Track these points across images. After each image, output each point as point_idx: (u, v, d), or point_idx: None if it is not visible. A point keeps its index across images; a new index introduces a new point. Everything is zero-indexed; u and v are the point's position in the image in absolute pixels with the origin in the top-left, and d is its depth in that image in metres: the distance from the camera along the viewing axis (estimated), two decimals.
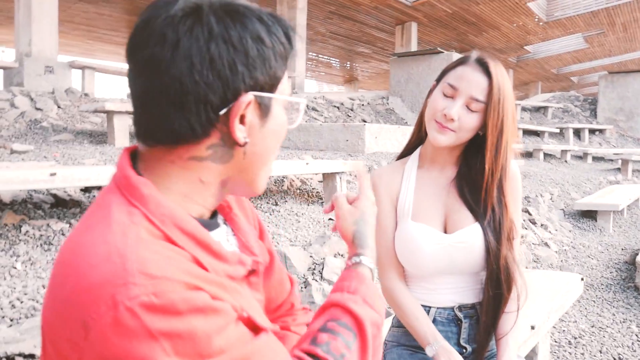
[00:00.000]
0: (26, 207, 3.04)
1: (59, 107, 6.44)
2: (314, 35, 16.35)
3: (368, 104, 11.28)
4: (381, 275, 1.41)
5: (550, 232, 5.43)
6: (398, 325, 1.43)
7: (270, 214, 4.11)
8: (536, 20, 15.40)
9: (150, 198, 0.69)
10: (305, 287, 2.60)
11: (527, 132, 12.08)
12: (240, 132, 0.71)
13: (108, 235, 0.64)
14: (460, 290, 1.37)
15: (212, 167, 0.73)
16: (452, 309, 1.37)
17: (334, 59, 20.82)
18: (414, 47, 14.68)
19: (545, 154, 10.57)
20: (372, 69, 22.32)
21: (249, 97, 0.69)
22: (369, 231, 0.96)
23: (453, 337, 1.37)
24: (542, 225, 5.47)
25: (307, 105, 10.39)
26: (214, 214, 0.82)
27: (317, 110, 10.27)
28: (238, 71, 0.68)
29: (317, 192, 5.06)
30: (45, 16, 7.24)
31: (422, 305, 1.38)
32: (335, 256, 3.05)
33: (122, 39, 15.60)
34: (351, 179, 5.40)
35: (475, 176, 1.33)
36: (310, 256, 2.93)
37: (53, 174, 2.46)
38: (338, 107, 10.78)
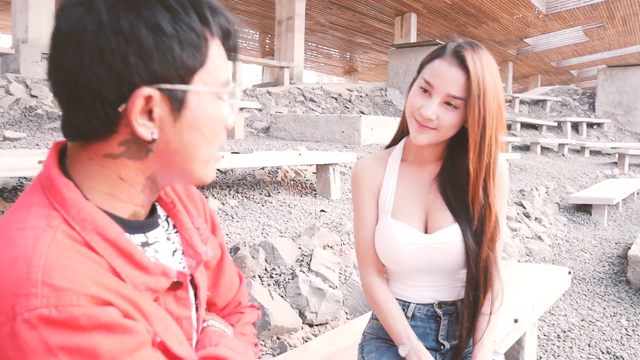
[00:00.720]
0: (16, 194, 3.03)
1: None
2: (314, 26, 16.26)
3: (366, 95, 11.24)
4: (361, 269, 1.40)
5: (544, 225, 5.43)
6: (377, 317, 1.42)
7: (262, 205, 4.10)
8: (536, 12, 15.32)
9: (71, 201, 0.66)
10: (293, 279, 2.60)
11: (525, 126, 12.06)
12: (143, 129, 0.66)
13: (20, 239, 0.61)
14: (440, 288, 1.35)
15: (130, 164, 0.70)
16: (432, 305, 1.35)
17: (333, 50, 20.72)
18: (413, 38, 14.61)
19: (543, 148, 10.55)
20: (372, 60, 22.23)
21: (147, 91, 0.64)
22: None
23: (432, 333, 1.35)
24: (536, 218, 5.47)
25: (305, 96, 10.36)
26: (152, 212, 0.79)
27: (315, 101, 10.24)
28: (130, 63, 0.63)
29: (311, 183, 5.05)
30: (43, 2, 7.18)
31: (402, 300, 1.36)
32: (324, 248, 3.05)
33: None
34: (345, 171, 5.39)
35: (459, 174, 1.28)
36: (299, 247, 2.92)
37: (41, 162, 2.44)
38: (336, 98, 10.74)
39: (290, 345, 2.24)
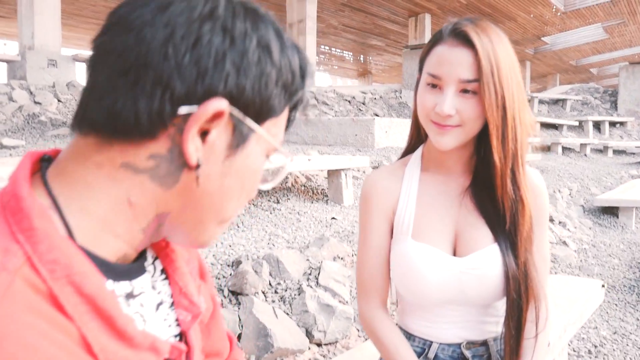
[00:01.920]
0: None
1: (59, 101, 6.31)
2: (326, 28, 16.11)
3: (380, 97, 11.05)
4: (361, 301, 1.17)
5: (569, 229, 5.16)
6: None
7: (270, 213, 3.92)
8: (554, 10, 14.97)
9: (42, 233, 0.47)
10: (299, 294, 2.40)
11: (545, 126, 11.73)
12: (194, 148, 0.51)
13: None
14: (469, 325, 1.12)
15: (148, 187, 0.53)
16: (459, 345, 1.12)
17: (346, 52, 20.54)
18: (427, 39, 14.35)
19: (564, 148, 10.24)
20: (386, 62, 22.00)
21: (222, 105, 0.50)
22: None
23: None
24: (560, 222, 5.20)
25: (317, 99, 10.18)
26: (141, 253, 0.61)
27: (328, 104, 10.05)
28: (224, 68, 0.51)
29: (323, 189, 4.85)
30: (49, 9, 7.12)
31: (422, 339, 1.14)
32: (334, 259, 2.84)
33: None
34: (358, 175, 5.19)
35: (495, 182, 1.05)
36: (307, 259, 2.72)
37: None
38: (349, 101, 10.55)
39: None
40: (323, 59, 21.10)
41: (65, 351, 0.44)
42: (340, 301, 2.45)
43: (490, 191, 1.07)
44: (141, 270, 0.60)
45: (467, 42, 0.97)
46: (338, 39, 17.84)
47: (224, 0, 0.54)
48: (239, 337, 2.13)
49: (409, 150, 1.21)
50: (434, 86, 1.01)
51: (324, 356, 2.21)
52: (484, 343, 1.12)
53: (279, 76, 0.55)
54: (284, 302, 2.39)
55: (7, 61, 7.02)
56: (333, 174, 4.50)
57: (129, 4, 0.52)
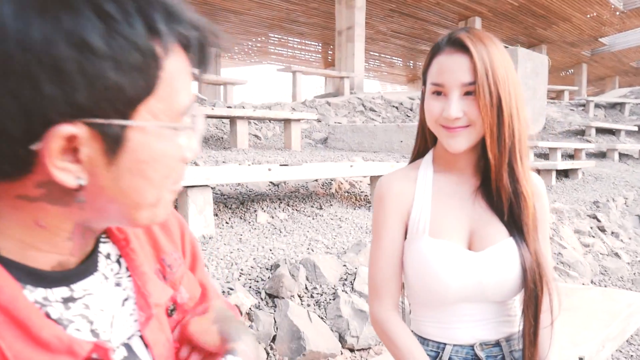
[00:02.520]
0: None
1: None
2: (375, 35, 16.11)
3: None
4: (373, 302, 1.20)
5: (622, 240, 4.96)
6: None
7: (312, 219, 3.98)
8: (612, 9, 14.39)
9: None
10: (334, 299, 2.44)
11: (601, 131, 11.29)
12: (64, 174, 0.50)
13: None
14: (483, 324, 1.14)
15: (51, 210, 0.54)
16: (472, 347, 1.14)
17: (396, 58, 20.45)
18: None
19: (621, 154, 9.81)
20: None
21: (68, 129, 0.48)
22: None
23: None
24: (612, 233, 5.01)
25: (364, 106, 10.20)
26: (94, 251, 0.64)
27: (375, 111, 10.05)
28: (43, 93, 0.46)
29: (366, 195, 4.88)
30: None
31: (434, 342, 1.16)
32: None
33: None
34: None
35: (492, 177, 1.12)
36: (344, 265, 2.76)
37: None
38: (397, 107, 10.51)
39: None
40: (372, 66, 21.07)
41: None
42: None
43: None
44: (87, 273, 0.61)
45: (463, 48, 1.04)
46: (387, 45, 17.80)
47: (8, 6, 0.46)
48: (274, 338, 2.19)
49: (417, 157, 1.25)
50: (438, 94, 1.08)
51: None
52: (497, 344, 1.14)
53: (118, 64, 0.48)
54: (319, 306, 2.44)
55: None
56: (375, 181, 4.52)
57: None
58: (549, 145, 8.47)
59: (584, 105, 13.33)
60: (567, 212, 5.02)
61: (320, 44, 17.73)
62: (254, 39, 16.60)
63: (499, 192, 1.10)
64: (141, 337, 0.66)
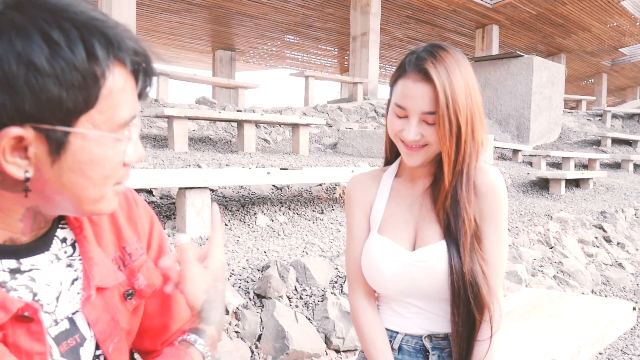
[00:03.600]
0: None
1: None
2: (391, 41, 16.13)
3: None
4: (349, 292, 1.29)
5: (627, 251, 4.91)
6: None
7: (312, 222, 4.02)
8: (632, 19, 14.21)
9: None
10: (322, 301, 2.48)
11: (617, 141, 11.15)
12: (14, 167, 0.61)
13: None
14: (431, 317, 1.21)
15: (6, 195, 0.65)
16: (421, 337, 1.21)
17: None
18: (495, 50, 14.05)
19: (636, 165, 9.69)
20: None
21: (16, 131, 0.58)
22: (219, 303, 0.85)
23: None
24: (618, 243, 4.96)
25: (377, 112, 10.22)
26: (49, 234, 0.74)
27: None
28: None
29: None
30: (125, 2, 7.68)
31: (389, 330, 1.24)
32: None
33: (204, 46, 16.25)
34: None
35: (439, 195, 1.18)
36: (336, 268, 2.80)
37: None
38: None
39: None
40: (388, 71, 21.08)
41: None
42: None
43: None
44: (36, 250, 0.71)
45: (427, 77, 1.08)
46: (403, 51, 17.79)
47: None
48: (259, 337, 2.24)
49: (388, 160, 1.33)
50: (400, 115, 1.13)
51: None
52: (446, 337, 1.20)
53: (60, 82, 0.58)
54: (307, 307, 2.48)
55: None
56: None
57: None
58: (563, 154, 8.41)
59: (601, 115, 13.18)
60: (571, 221, 4.98)
61: (336, 49, 17.80)
62: (269, 43, 16.74)
63: (440, 210, 1.17)
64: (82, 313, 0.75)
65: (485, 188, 1.17)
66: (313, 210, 4.32)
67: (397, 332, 1.23)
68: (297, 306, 2.47)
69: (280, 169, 3.73)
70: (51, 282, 0.72)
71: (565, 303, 2.35)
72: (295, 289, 2.56)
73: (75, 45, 0.59)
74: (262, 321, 2.28)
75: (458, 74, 1.09)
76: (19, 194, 0.65)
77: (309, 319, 2.40)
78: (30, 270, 0.70)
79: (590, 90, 21.76)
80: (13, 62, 0.56)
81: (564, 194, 6.82)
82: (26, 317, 0.67)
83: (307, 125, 6.63)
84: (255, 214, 3.88)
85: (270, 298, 2.38)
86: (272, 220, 3.90)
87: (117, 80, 0.63)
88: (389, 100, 1.18)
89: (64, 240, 0.76)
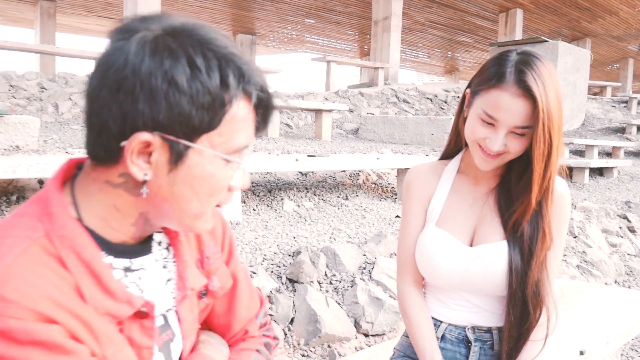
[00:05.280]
0: None
1: None
2: (413, 25, 15.97)
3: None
4: (398, 278, 1.34)
5: None
6: (407, 334, 1.35)
7: (338, 208, 4.09)
8: None
9: (56, 217, 0.69)
10: (352, 287, 2.55)
11: None
12: (136, 168, 0.68)
13: None
14: (477, 311, 1.26)
15: (125, 197, 0.72)
16: (464, 329, 1.26)
17: (434, 49, 20.22)
18: (518, 35, 13.85)
19: None
20: (474, 59, 21.40)
21: (146, 136, 0.66)
22: None
23: (461, 359, 1.27)
24: None
25: (398, 97, 10.19)
26: (149, 238, 0.81)
27: (409, 102, 10.03)
28: (138, 107, 0.65)
29: (393, 187, 4.95)
30: (151, 6, 7.73)
31: (434, 319, 1.29)
32: (390, 256, 2.96)
33: (225, 30, 16.22)
34: None
35: (515, 189, 1.20)
36: (364, 255, 2.86)
37: None
38: (431, 99, 10.46)
39: (340, 355, 2.20)
40: (409, 56, 20.90)
41: (59, 290, 0.65)
42: (390, 296, 2.57)
43: (509, 195, 1.21)
44: (144, 252, 0.79)
45: (528, 94, 1.07)
46: (425, 35, 17.61)
47: (134, 45, 0.66)
48: (292, 321, 2.32)
49: (449, 153, 1.34)
50: (488, 122, 1.12)
51: (369, 346, 2.35)
52: (489, 330, 1.25)
53: (193, 101, 0.66)
54: (337, 292, 2.55)
55: None
56: (402, 173, 4.58)
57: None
58: (586, 142, 8.32)
59: (626, 102, 12.95)
60: (595, 211, 4.97)
61: (357, 33, 17.68)
62: (289, 27, 16.70)
63: (520, 224, 1.18)
64: (176, 312, 0.83)
65: (555, 199, 1.20)
66: (338, 196, 4.38)
67: (441, 322, 1.28)
68: (327, 291, 2.54)
69: (308, 155, 3.78)
70: (153, 282, 0.80)
71: (592, 294, 2.39)
72: (326, 275, 2.63)
73: (213, 72, 0.67)
74: (294, 305, 2.36)
75: (552, 88, 1.08)
76: (136, 198, 0.72)
77: (338, 304, 2.47)
78: (139, 269, 0.78)
79: (615, 76, 21.32)
80: (160, 77, 0.65)
81: (587, 182, 6.78)
82: (142, 313, 0.74)
83: (330, 111, 6.67)
84: (282, 199, 3.96)
85: (302, 283, 2.46)
86: (299, 206, 3.97)
87: (240, 110, 0.70)
88: (467, 97, 1.19)
89: (159, 243, 0.84)
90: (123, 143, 0.67)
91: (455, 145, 1.32)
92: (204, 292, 0.90)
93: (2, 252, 0.64)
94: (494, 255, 1.19)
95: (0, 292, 0.61)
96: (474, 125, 1.14)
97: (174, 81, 0.65)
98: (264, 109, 0.74)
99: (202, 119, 0.67)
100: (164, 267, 0.83)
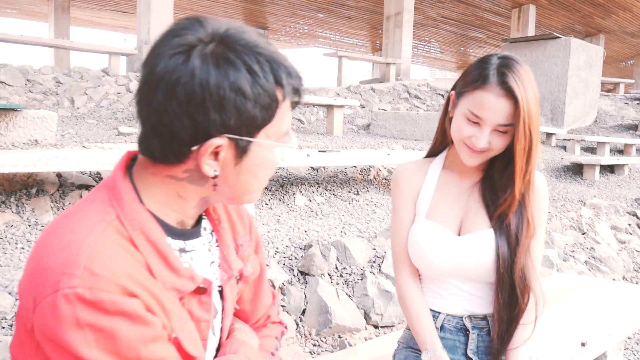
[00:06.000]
0: None
1: None
2: (425, 20, 15.94)
3: None
4: (395, 271, 1.41)
5: None
6: (409, 326, 1.42)
7: (349, 203, 4.16)
8: None
9: (126, 202, 0.78)
10: (362, 279, 2.62)
11: None
12: (208, 167, 0.77)
13: (78, 227, 0.74)
14: (471, 299, 1.34)
15: (189, 187, 0.81)
16: (462, 318, 1.34)
17: (445, 45, 20.15)
18: (531, 31, 13.78)
19: None
20: (486, 54, 21.27)
21: (219, 141, 0.75)
22: None
23: (461, 346, 1.34)
24: None
25: (409, 93, 10.22)
26: (198, 222, 0.90)
27: (420, 98, 10.06)
28: (210, 118, 0.73)
29: None
30: (163, 7, 7.81)
31: (432, 310, 1.36)
32: None
33: None
34: None
35: (499, 183, 1.29)
36: (374, 248, 2.93)
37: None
38: (442, 95, 10.47)
39: (349, 345, 2.28)
40: (421, 51, 20.85)
41: (134, 267, 0.73)
42: None
43: (493, 188, 1.30)
44: (195, 235, 0.88)
45: (510, 94, 1.17)
46: (437, 30, 17.57)
47: (198, 60, 0.72)
48: (304, 312, 2.40)
49: (435, 153, 1.43)
50: (473, 121, 1.22)
51: (378, 337, 2.42)
52: (485, 317, 1.33)
53: (256, 104, 0.75)
54: (347, 285, 2.63)
55: (126, 54, 7.80)
56: None
57: (143, 69, 0.76)
58: (598, 139, 8.30)
59: (636, 99, 12.86)
60: (605, 208, 5.00)
61: (368, 28, 17.67)
62: (301, 22, 16.73)
63: (504, 212, 1.27)
64: (221, 291, 0.93)
65: (535, 191, 1.29)
66: (349, 192, 4.44)
67: (439, 313, 1.35)
68: (337, 284, 2.61)
69: (319, 151, 3.85)
70: (201, 263, 0.89)
71: (596, 288, 2.44)
72: (336, 268, 2.71)
73: (268, 75, 0.76)
74: (305, 297, 2.44)
75: (531, 89, 1.18)
76: (201, 187, 0.81)
77: (349, 296, 2.55)
78: (191, 251, 0.87)
79: (629, 73, 21.12)
80: (227, 88, 0.73)
81: (598, 179, 6.78)
82: (201, 289, 0.84)
83: (341, 106, 6.72)
84: (293, 194, 4.03)
85: (314, 275, 2.54)
86: (310, 201, 4.04)
87: (286, 101, 0.80)
88: (453, 98, 1.28)
89: (205, 229, 0.93)
90: (194, 148, 0.75)
91: (442, 144, 1.41)
92: (239, 277, 0.98)
93: (84, 233, 0.72)
94: (482, 243, 1.27)
95: (90, 268, 0.69)
96: (460, 124, 1.23)
97: (240, 90, 0.73)
98: (298, 96, 0.83)
99: (263, 117, 0.77)
100: (209, 250, 0.91)
